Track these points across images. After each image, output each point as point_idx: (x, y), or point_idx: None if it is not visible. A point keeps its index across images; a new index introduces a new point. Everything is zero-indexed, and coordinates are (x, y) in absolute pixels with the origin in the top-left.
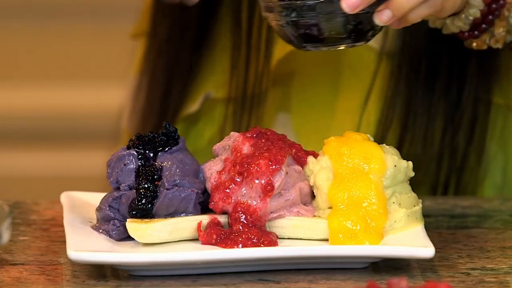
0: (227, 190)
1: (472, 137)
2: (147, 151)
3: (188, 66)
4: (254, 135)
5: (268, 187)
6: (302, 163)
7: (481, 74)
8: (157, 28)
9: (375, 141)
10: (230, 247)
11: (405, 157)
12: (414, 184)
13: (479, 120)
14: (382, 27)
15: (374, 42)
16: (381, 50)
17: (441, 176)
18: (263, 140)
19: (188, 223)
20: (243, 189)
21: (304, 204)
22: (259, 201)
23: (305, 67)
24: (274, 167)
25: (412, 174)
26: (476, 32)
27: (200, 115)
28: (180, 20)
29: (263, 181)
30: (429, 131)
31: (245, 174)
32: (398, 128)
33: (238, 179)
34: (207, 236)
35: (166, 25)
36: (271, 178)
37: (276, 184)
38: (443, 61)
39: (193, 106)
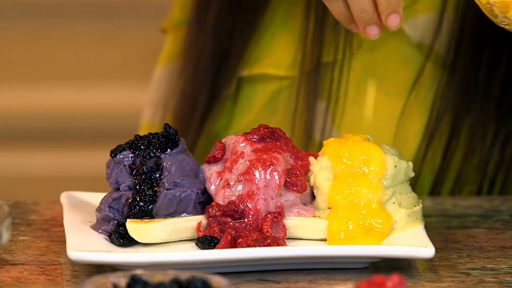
0: (226, 194)
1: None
2: (147, 152)
3: (240, 48)
4: (255, 137)
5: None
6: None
7: None
8: (201, 15)
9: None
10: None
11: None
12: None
13: None
14: None
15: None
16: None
17: (484, 185)
18: (264, 144)
19: (188, 223)
20: (243, 191)
21: (304, 204)
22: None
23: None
24: (273, 174)
25: (412, 174)
26: None
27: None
28: (229, 5)
29: (263, 185)
30: (477, 142)
31: (243, 181)
32: (444, 137)
33: (237, 184)
34: None
35: (214, 11)
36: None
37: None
38: (501, 67)
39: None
